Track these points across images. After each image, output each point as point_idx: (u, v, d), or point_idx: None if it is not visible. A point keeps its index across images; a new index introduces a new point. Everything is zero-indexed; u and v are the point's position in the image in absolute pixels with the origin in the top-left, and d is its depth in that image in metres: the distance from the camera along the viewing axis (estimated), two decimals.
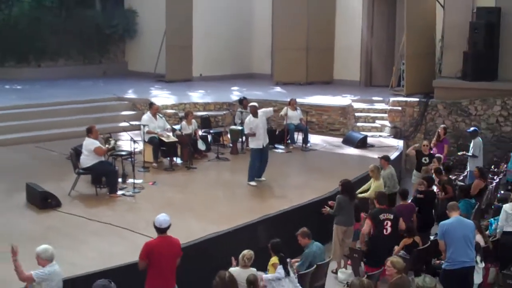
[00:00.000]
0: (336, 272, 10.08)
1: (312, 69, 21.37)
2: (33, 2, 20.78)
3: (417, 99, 17.21)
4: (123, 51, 23.97)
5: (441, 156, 13.43)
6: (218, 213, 10.55)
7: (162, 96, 18.43)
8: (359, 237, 10.46)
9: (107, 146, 11.61)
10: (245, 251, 7.74)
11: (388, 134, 16.95)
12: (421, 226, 10.32)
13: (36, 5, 20.84)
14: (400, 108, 17.17)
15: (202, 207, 10.93)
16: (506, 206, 9.68)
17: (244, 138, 14.52)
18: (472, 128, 14.59)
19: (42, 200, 10.41)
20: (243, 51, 23.16)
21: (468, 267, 8.10)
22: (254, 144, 12.22)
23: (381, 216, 9.13)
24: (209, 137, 14.91)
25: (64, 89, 19.07)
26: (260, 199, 11.61)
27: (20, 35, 20.57)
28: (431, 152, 13.46)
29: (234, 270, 7.53)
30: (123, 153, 12.61)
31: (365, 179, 12.38)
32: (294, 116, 15.54)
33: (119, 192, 11.38)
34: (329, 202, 10.21)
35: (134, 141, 12.23)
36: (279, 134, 15.70)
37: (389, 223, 9.13)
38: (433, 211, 11.25)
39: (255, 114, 12.24)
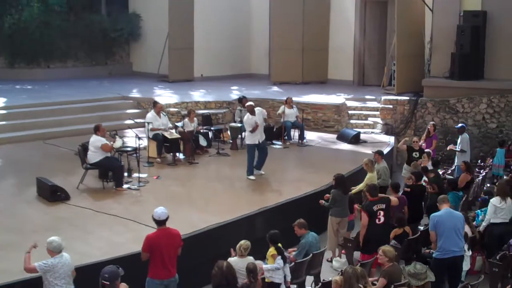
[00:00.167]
0: (331, 261, 10.09)
1: (308, 70, 21.36)
2: (42, 7, 20.75)
3: (407, 98, 17.21)
4: (128, 53, 23.93)
5: (430, 151, 13.45)
6: (218, 206, 10.56)
7: (165, 95, 18.40)
8: (353, 228, 10.51)
9: (112, 143, 11.59)
10: (242, 241, 7.73)
11: (380, 131, 16.95)
12: (410, 218, 10.31)
13: (46, 9, 20.82)
14: (391, 106, 17.17)
15: (203, 199, 10.94)
16: (493, 200, 9.65)
17: (243, 134, 14.51)
18: (459, 125, 14.60)
19: (51, 194, 10.42)
20: (242, 53, 23.17)
21: (458, 256, 8.12)
22: (250, 140, 12.21)
23: (375, 207, 9.16)
24: (210, 134, 14.91)
25: (72, 89, 19.02)
26: (258, 192, 11.60)
27: (30, 38, 20.53)
28: (421, 147, 13.49)
29: (232, 260, 7.52)
30: (129, 149, 12.60)
31: (358, 173, 12.41)
32: (290, 114, 15.53)
33: (125, 186, 11.38)
34: (325, 196, 10.21)
35: (139, 138, 12.23)
36: (276, 131, 15.69)
37: (382, 213, 9.16)
38: (423, 204, 11.28)
39: (252, 112, 12.24)
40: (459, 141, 14.05)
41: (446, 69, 17.02)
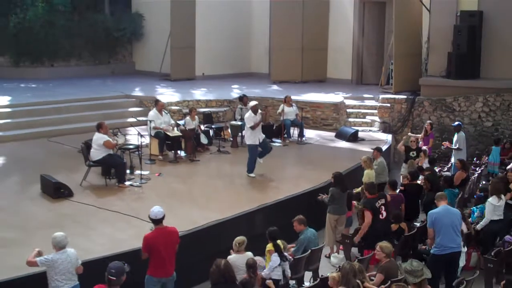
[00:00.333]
0: (329, 257, 10.09)
1: (307, 69, 21.36)
2: (46, 7, 20.75)
3: (405, 96, 17.18)
4: (131, 52, 23.94)
5: (426, 149, 13.45)
6: (219, 202, 10.55)
7: (167, 94, 18.39)
8: (351, 224, 10.51)
9: (115, 141, 11.58)
10: (237, 238, 7.72)
11: (378, 129, 16.93)
12: (406, 216, 10.28)
13: (50, 9, 20.81)
14: (389, 104, 17.14)
15: (204, 196, 10.93)
16: (491, 200, 9.57)
17: (243, 132, 14.50)
18: (456, 123, 14.58)
19: (55, 190, 10.42)
20: (242, 52, 23.17)
21: (455, 252, 8.11)
22: (251, 140, 12.18)
23: (377, 204, 9.16)
24: (211, 132, 14.90)
25: (76, 87, 19.04)
26: (258, 189, 11.59)
27: (34, 37, 20.56)
28: (419, 146, 13.48)
29: (232, 256, 7.52)
30: (131, 146, 12.60)
31: (356, 170, 12.41)
32: (290, 112, 15.53)
33: (127, 183, 11.37)
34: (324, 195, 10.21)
35: (141, 136, 12.22)
36: (276, 129, 15.69)
37: (383, 208, 9.17)
38: (420, 201, 11.27)
39: (255, 112, 12.24)
40: (455, 139, 14.04)
41: (443, 68, 17.00)
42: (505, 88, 16.02)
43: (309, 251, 8.57)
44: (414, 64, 18.30)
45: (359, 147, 15.00)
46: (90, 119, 15.12)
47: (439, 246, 8.08)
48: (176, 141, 13.33)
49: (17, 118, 15.43)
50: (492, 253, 8.85)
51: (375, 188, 9.47)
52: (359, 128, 16.53)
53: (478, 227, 9.69)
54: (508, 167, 11.99)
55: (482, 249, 9.55)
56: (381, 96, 17.59)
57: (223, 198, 10.84)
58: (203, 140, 14.16)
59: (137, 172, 11.84)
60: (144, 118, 14.48)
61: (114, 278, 6.13)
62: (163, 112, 13.62)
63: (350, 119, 17.37)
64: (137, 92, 18.68)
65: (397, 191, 10.77)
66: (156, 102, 13.95)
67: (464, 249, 8.69)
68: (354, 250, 9.83)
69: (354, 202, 10.38)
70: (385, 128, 16.83)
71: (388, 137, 16.20)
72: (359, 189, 11.15)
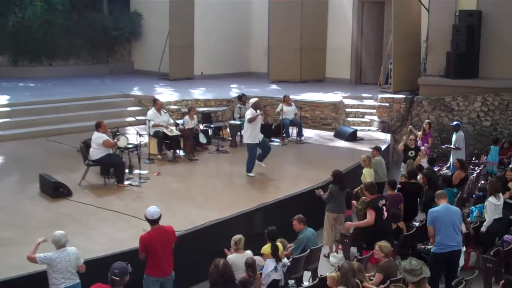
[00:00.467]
0: (328, 256, 10.09)
1: (306, 68, 21.36)
2: (45, 6, 20.72)
3: (404, 96, 17.18)
4: (129, 51, 23.92)
5: (425, 148, 13.46)
6: (218, 202, 10.53)
7: (165, 93, 18.37)
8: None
9: (115, 140, 11.56)
10: (233, 236, 7.70)
11: (377, 128, 16.94)
12: (404, 216, 10.28)
13: (49, 8, 20.79)
14: (387, 104, 17.15)
15: (203, 196, 10.91)
16: (491, 199, 9.59)
17: (242, 131, 14.48)
18: (455, 122, 14.61)
19: (54, 190, 10.39)
20: (241, 51, 23.16)
21: (456, 250, 8.12)
22: (250, 139, 12.15)
23: (379, 204, 9.16)
24: (210, 131, 14.89)
25: (74, 86, 19.01)
26: (257, 188, 11.57)
27: (33, 36, 20.53)
28: (417, 145, 13.50)
29: (232, 256, 7.50)
30: (130, 146, 12.58)
31: (354, 169, 12.42)
32: (289, 112, 15.53)
33: (126, 182, 11.35)
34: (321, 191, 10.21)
35: (140, 135, 12.21)
36: (275, 129, 15.69)
37: (385, 208, 9.18)
38: (419, 200, 11.28)
39: (256, 109, 12.20)
40: (454, 138, 14.05)
41: (441, 68, 17.01)
42: (503, 88, 16.04)
43: (308, 250, 8.57)
44: (413, 63, 18.31)
45: (358, 146, 15.00)
46: (89, 118, 15.12)
47: (439, 245, 8.08)
48: (175, 141, 13.31)
49: (16, 117, 15.41)
50: (491, 253, 8.86)
51: (375, 188, 9.46)
52: (358, 128, 16.53)
53: (483, 228, 9.63)
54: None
55: (481, 248, 9.56)
56: (380, 96, 17.60)
57: (222, 198, 10.83)
58: (202, 139, 14.14)
59: (136, 171, 11.83)
60: (142, 118, 14.45)
61: (118, 279, 6.13)
62: (162, 112, 13.60)
63: (349, 119, 17.38)
64: (136, 91, 18.65)
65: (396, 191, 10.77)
66: (154, 101, 13.93)
67: (463, 249, 8.70)
68: (353, 249, 9.83)
69: (354, 202, 10.39)
70: (384, 128, 16.83)
71: (387, 136, 16.20)
72: (358, 189, 11.19)
